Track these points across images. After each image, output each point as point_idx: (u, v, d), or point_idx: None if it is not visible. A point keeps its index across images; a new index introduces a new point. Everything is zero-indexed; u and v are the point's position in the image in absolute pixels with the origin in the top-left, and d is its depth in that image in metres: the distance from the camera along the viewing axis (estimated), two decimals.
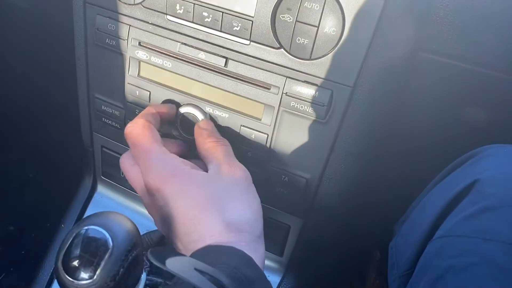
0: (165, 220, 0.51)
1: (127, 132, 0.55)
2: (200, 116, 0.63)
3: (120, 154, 0.61)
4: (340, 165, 0.62)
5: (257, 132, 0.62)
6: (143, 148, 0.53)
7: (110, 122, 0.72)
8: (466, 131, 0.62)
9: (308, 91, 0.56)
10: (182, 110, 0.63)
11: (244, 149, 0.63)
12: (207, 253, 0.45)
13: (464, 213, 0.45)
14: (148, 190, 0.52)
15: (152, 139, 0.54)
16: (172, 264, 0.39)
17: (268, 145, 0.62)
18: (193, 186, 0.50)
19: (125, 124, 0.69)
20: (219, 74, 0.60)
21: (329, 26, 0.52)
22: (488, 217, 0.43)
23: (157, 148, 0.53)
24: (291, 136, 0.61)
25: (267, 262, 0.77)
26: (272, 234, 0.69)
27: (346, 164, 0.62)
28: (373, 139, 0.62)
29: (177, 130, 0.65)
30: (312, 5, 0.52)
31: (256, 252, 0.47)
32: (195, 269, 0.39)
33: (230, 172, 0.53)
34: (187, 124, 0.64)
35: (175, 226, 0.49)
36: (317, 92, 0.56)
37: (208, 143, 0.57)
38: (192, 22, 0.58)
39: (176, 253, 0.40)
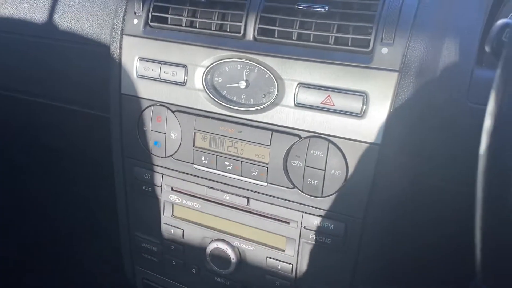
0: None
1: None
2: (229, 249, 0.69)
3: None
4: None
5: (282, 263, 0.67)
6: None
7: (149, 257, 0.79)
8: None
9: (324, 225, 0.62)
10: (211, 246, 0.70)
11: (271, 278, 0.68)
12: None
13: None
14: None
15: None
16: None
17: (293, 274, 0.67)
18: None
19: (163, 258, 0.75)
20: (243, 212, 0.67)
21: (334, 168, 0.59)
22: None
23: None
24: (314, 264, 0.66)
25: None
26: None
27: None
28: (391, 258, 0.66)
29: (208, 264, 0.71)
30: (317, 153, 0.59)
31: None
32: None
33: None
34: (218, 258, 0.70)
35: None
36: (332, 225, 0.62)
37: None
38: (216, 169, 0.67)
39: None
